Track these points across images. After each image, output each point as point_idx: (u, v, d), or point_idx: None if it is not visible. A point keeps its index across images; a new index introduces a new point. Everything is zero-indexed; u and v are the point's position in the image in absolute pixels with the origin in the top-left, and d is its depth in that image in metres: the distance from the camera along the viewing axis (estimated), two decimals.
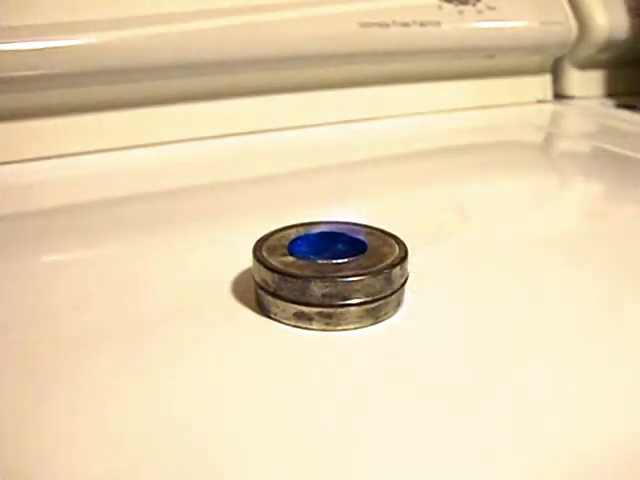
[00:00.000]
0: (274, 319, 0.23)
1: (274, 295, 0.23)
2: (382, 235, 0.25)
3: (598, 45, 0.56)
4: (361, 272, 0.23)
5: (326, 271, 0.23)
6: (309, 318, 0.22)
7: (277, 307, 0.23)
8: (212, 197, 0.37)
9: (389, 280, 0.23)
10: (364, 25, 0.45)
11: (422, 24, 0.48)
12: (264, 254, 0.24)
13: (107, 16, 0.39)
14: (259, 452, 0.18)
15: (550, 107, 0.58)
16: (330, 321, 0.22)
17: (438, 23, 0.48)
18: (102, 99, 0.41)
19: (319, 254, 0.24)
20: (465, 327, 0.24)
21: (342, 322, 0.22)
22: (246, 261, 0.25)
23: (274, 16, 0.43)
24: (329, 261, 0.23)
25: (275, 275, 0.23)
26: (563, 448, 0.18)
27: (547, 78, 0.58)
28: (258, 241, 0.25)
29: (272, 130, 0.46)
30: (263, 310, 0.23)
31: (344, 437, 0.18)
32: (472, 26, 0.50)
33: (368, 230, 0.26)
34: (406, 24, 0.47)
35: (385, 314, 0.23)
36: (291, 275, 0.22)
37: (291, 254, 0.24)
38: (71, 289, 0.26)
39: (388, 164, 0.44)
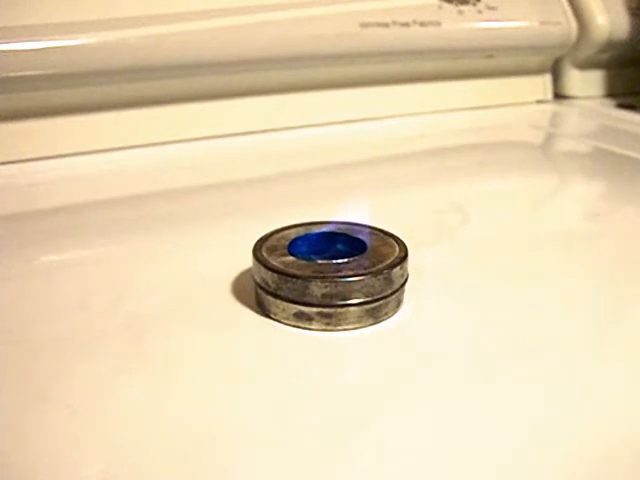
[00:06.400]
0: (274, 319, 0.23)
1: (274, 295, 0.23)
2: (382, 235, 0.25)
3: (598, 45, 0.56)
4: (361, 272, 0.23)
5: (326, 271, 0.23)
6: (309, 318, 0.22)
7: (277, 307, 0.23)
8: (212, 197, 0.37)
9: (389, 280, 0.23)
10: (364, 25, 0.45)
11: (422, 24, 0.48)
12: (264, 254, 0.24)
13: (107, 16, 0.39)
14: (259, 452, 0.18)
15: (550, 107, 0.58)
16: (330, 321, 0.22)
17: (438, 23, 0.48)
18: (102, 99, 0.41)
19: (319, 254, 0.24)
20: (465, 327, 0.24)
21: (342, 322, 0.22)
22: (246, 261, 0.25)
23: (274, 16, 0.43)
24: (329, 261, 0.23)
25: (275, 275, 0.23)
26: (564, 449, 0.18)
27: (547, 78, 0.58)
28: (258, 241, 0.25)
29: (272, 130, 0.46)
30: (263, 310, 0.23)
31: (344, 437, 0.18)
32: (472, 26, 0.50)
33: (368, 230, 0.26)
34: (406, 24, 0.47)
35: (385, 314, 0.23)
36: (291, 275, 0.22)
37: (291, 254, 0.24)
38: (71, 289, 0.26)
39: (388, 164, 0.44)
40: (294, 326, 0.23)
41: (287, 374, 0.21)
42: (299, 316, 0.23)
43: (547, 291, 0.26)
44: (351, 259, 0.23)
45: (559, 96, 0.59)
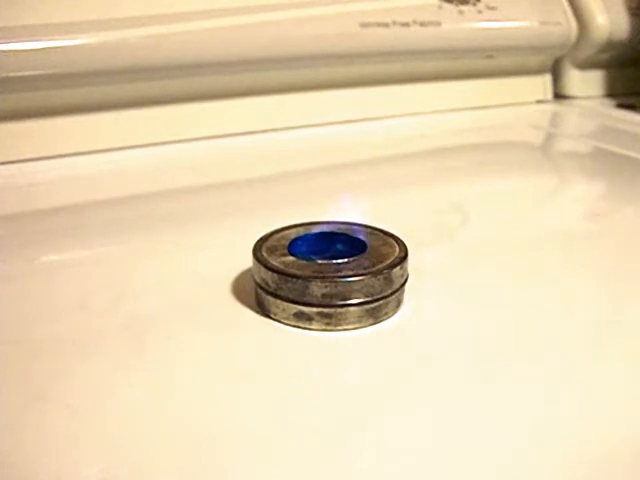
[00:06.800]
0: (274, 319, 0.23)
1: (274, 295, 0.23)
2: (382, 235, 0.25)
3: (598, 45, 0.56)
4: (361, 272, 0.23)
5: (326, 271, 0.23)
6: (309, 318, 0.22)
7: (277, 307, 0.23)
8: (212, 197, 0.37)
9: (389, 280, 0.23)
10: (364, 25, 0.45)
11: (422, 24, 0.48)
12: (264, 254, 0.24)
13: (107, 16, 0.39)
14: (258, 452, 0.18)
15: (550, 107, 0.58)
16: (330, 321, 0.22)
17: (438, 23, 0.48)
18: (102, 99, 0.41)
19: (319, 254, 0.24)
20: (465, 327, 0.24)
21: (342, 322, 0.22)
22: (246, 261, 0.25)
23: (274, 16, 0.43)
24: (329, 261, 0.23)
25: (275, 275, 0.23)
26: (564, 449, 0.18)
27: (547, 78, 0.58)
28: (258, 241, 0.25)
29: (272, 130, 0.46)
30: (263, 310, 0.23)
31: (344, 437, 0.18)
32: (472, 26, 0.50)
33: (368, 230, 0.26)
34: (406, 24, 0.47)
35: (385, 314, 0.23)
36: (291, 275, 0.22)
37: (291, 254, 0.24)
38: (71, 289, 0.26)
39: (388, 164, 0.44)
40: (294, 326, 0.23)
41: (287, 374, 0.21)
42: (299, 316, 0.23)
43: (547, 291, 0.26)
44: (351, 259, 0.23)
45: (559, 96, 0.59)
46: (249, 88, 0.45)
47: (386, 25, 0.46)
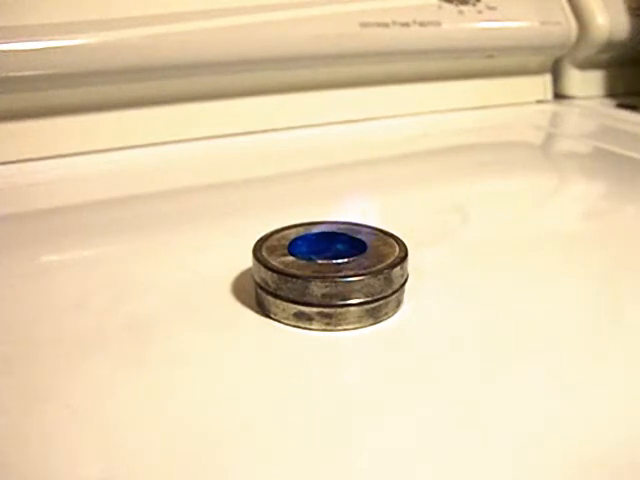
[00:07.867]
0: (274, 319, 0.23)
1: (274, 295, 0.23)
2: (382, 235, 0.25)
3: (598, 45, 0.56)
4: (361, 272, 0.23)
5: (326, 271, 0.23)
6: (309, 318, 0.22)
7: (277, 307, 0.23)
8: (212, 197, 0.37)
9: (389, 280, 0.23)
10: (364, 25, 0.45)
11: (422, 24, 0.48)
12: (264, 254, 0.24)
13: (107, 16, 0.39)
14: (258, 452, 0.18)
15: (550, 107, 0.58)
16: (330, 321, 0.22)
17: (438, 23, 0.48)
18: (102, 99, 0.41)
19: (319, 254, 0.24)
20: (465, 327, 0.24)
21: (342, 322, 0.22)
22: (246, 261, 0.25)
23: (274, 16, 0.43)
24: (329, 261, 0.23)
25: (275, 275, 0.23)
26: (564, 449, 0.18)
27: (547, 78, 0.58)
28: (258, 241, 0.25)
29: (272, 130, 0.46)
30: (263, 310, 0.23)
31: (344, 437, 0.18)
32: (472, 26, 0.50)
33: (368, 230, 0.26)
34: (406, 24, 0.47)
35: (385, 314, 0.23)
36: (291, 275, 0.22)
37: (291, 254, 0.24)
38: (71, 289, 0.26)
39: (388, 164, 0.44)
40: (294, 326, 0.23)
41: (287, 374, 0.21)
42: (299, 316, 0.23)
43: (547, 291, 0.26)
44: (351, 259, 0.23)
45: (559, 96, 0.59)
46: (249, 88, 0.45)
47: (386, 25, 0.46)
